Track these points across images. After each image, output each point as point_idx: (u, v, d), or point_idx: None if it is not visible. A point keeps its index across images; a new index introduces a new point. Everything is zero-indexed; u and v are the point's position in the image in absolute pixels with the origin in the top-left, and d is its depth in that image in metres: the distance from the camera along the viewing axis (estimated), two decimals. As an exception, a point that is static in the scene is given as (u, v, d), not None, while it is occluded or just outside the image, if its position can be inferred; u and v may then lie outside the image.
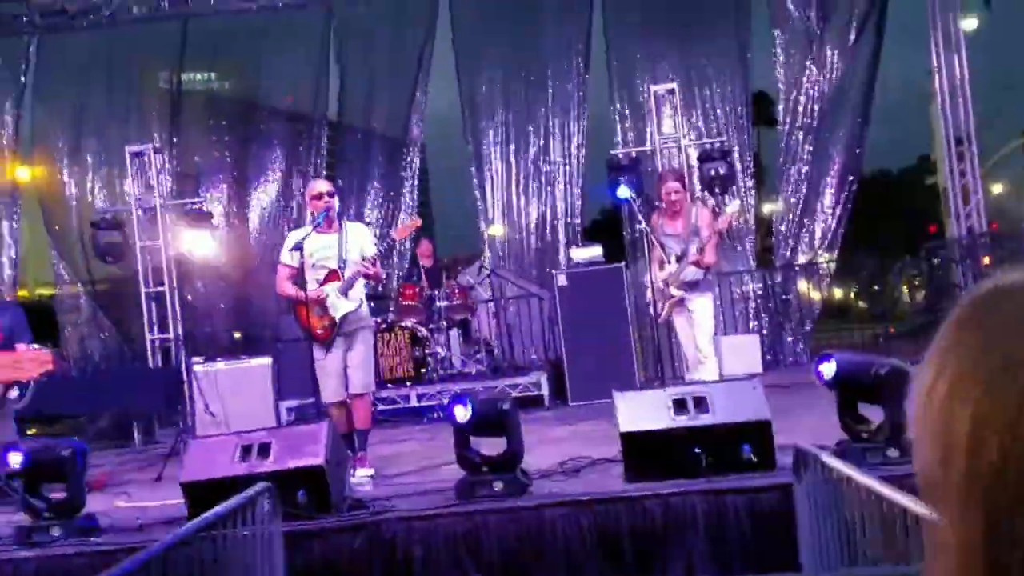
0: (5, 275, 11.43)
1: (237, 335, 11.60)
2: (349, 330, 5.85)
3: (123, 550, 4.23)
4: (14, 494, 5.62)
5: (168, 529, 4.50)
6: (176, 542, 3.12)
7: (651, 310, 6.73)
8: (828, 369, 4.42)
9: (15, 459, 4.64)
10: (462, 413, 4.53)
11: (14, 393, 6.33)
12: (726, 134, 10.49)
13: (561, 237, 11.05)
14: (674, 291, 6.40)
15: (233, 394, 8.30)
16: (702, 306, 6.45)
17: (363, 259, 5.80)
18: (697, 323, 6.39)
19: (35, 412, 7.76)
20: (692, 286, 6.39)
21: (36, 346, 6.50)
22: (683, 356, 6.72)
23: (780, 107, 10.78)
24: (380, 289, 9.98)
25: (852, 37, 10.43)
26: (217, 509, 3.38)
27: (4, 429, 6.39)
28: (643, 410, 4.53)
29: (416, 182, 11.47)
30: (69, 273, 11.47)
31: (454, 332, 9.96)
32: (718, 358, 9.42)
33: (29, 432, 7.90)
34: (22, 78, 11.44)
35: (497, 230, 11.39)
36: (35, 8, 11.11)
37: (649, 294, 6.73)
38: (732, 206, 6.83)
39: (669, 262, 6.41)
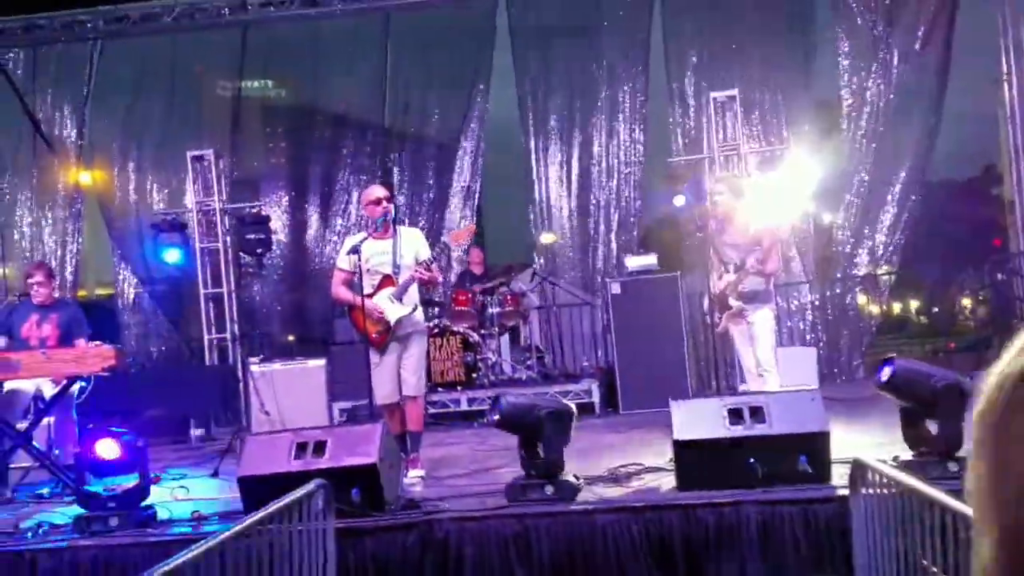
0: (67, 275, 11.70)
1: (291, 338, 11.75)
2: (403, 334, 5.89)
3: (179, 542, 4.31)
4: (71, 485, 5.79)
5: (224, 522, 4.59)
6: (233, 535, 3.16)
7: (709, 320, 6.62)
8: (887, 373, 4.38)
9: (106, 448, 4.76)
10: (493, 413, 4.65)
11: (76, 388, 6.51)
12: (787, 142, 10.37)
13: (616, 245, 11.00)
14: (733, 302, 6.17)
15: (288, 394, 8.44)
16: (762, 318, 6.20)
17: (417, 263, 5.84)
18: (757, 336, 6.16)
19: (95, 407, 7.93)
20: (751, 297, 6.17)
21: (98, 343, 6.66)
22: (739, 367, 6.57)
23: (843, 115, 10.60)
24: (435, 295, 10.05)
25: (918, 45, 10.23)
26: (273, 504, 3.42)
27: (65, 422, 6.56)
28: (698, 418, 4.50)
29: (472, 190, 11.50)
30: (129, 274, 11.70)
31: (505, 338, 9.99)
32: (773, 370, 9.41)
33: (88, 427, 8.08)
34: (85, 83, 11.71)
35: (549, 238, 11.38)
36: (99, 14, 11.38)
37: (706, 304, 6.62)
38: (807, 218, 6.70)
39: (728, 271, 6.22)
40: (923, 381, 4.33)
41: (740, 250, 6.19)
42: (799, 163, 9.81)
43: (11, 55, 11.64)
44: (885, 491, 3.35)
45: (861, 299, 10.84)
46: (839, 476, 4.28)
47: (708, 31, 10.78)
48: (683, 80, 10.81)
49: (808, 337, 10.41)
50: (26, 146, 11.74)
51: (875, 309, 11.04)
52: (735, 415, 4.42)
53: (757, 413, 4.40)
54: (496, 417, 4.74)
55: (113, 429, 4.85)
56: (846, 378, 10.27)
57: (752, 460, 4.25)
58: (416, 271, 5.80)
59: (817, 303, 10.54)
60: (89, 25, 11.42)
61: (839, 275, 10.63)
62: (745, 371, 6.41)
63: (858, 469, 3.66)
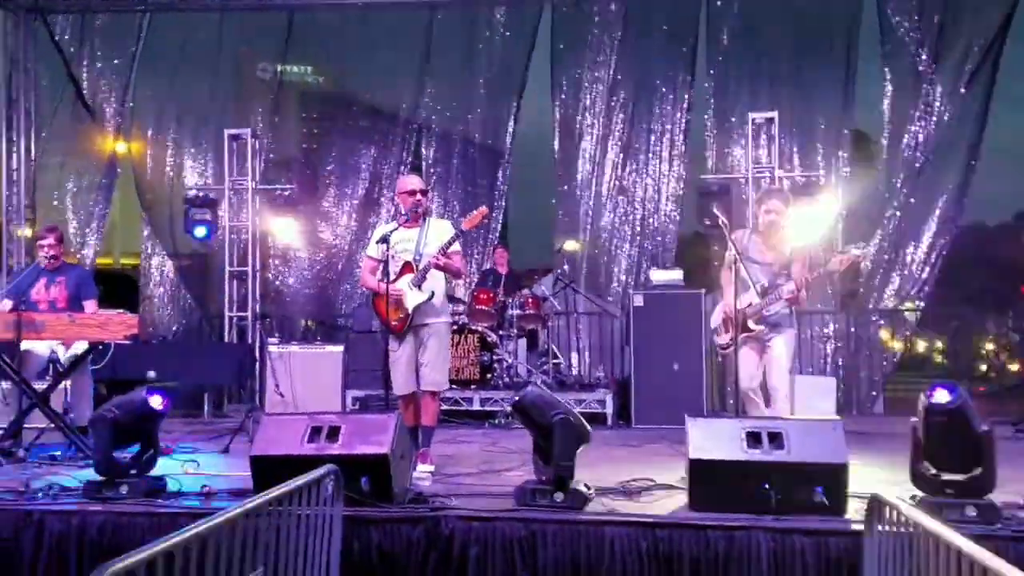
0: (92, 242, 11.80)
1: (308, 322, 11.79)
2: (421, 323, 5.88)
3: (187, 514, 4.32)
4: (86, 450, 5.83)
5: (232, 499, 4.60)
6: (243, 512, 3.15)
7: (715, 337, 6.37)
8: (942, 396, 4.20)
9: (156, 401, 4.80)
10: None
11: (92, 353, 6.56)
12: (821, 169, 10.30)
13: (641, 257, 10.97)
14: (752, 324, 5.98)
15: (304, 377, 8.49)
16: (782, 344, 5.99)
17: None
18: (773, 360, 5.97)
19: (111, 374, 7.98)
20: (775, 323, 5.98)
21: (121, 311, 6.71)
22: (742, 391, 6.09)
23: (882, 147, 10.52)
24: (456, 290, 10.04)
25: (963, 86, 10.14)
26: (285, 485, 3.42)
27: (83, 387, 6.61)
28: (715, 438, 4.45)
29: (503, 191, 11.51)
30: (157, 245, 11.78)
31: (523, 341, 9.98)
32: (792, 398, 9.33)
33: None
34: (131, 53, 11.78)
35: (572, 245, 11.37)
36: (150, -15, 11.49)
37: (715, 319, 6.37)
38: (858, 248, 6.53)
39: (755, 290, 5.92)
40: (968, 419, 4.19)
41: (768, 271, 6.01)
42: (832, 192, 9.74)
43: (60, 19, 11.74)
44: (902, 529, 3.30)
45: (884, 333, 10.74)
46: (854, 510, 4.24)
47: (751, 52, 10.74)
48: (722, 98, 10.78)
49: (827, 367, 10.34)
50: (65, 110, 11.84)
51: (897, 344, 10.95)
52: (753, 438, 4.37)
53: (776, 438, 4.35)
54: (516, 399, 4.71)
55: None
56: (862, 411, 10.21)
57: (767, 486, 4.21)
58: (435, 257, 5.78)
59: (839, 334, 10.47)
60: (141, -5, 11.52)
61: (863, 307, 10.55)
62: (743, 390, 6.07)
63: (875, 505, 3.61)
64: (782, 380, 5.98)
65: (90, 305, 6.76)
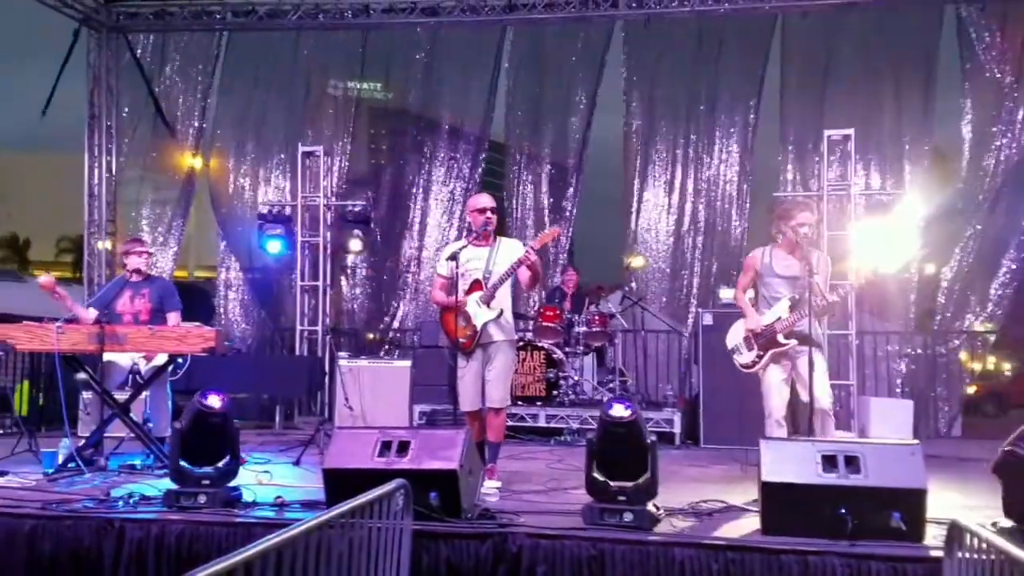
0: (169, 255, 12.11)
1: (372, 336, 11.92)
2: (488, 341, 5.89)
3: (262, 524, 4.40)
4: (165, 459, 5.97)
5: (305, 510, 4.67)
6: (317, 524, 3.20)
7: (735, 357, 6.11)
8: (620, 410, 4.41)
9: (215, 401, 4.91)
10: (620, 411, 4.52)
11: (172, 365, 6.72)
12: (899, 186, 10.10)
13: (711, 275, 10.88)
14: (782, 339, 5.81)
15: (372, 391, 8.59)
16: (819, 358, 5.72)
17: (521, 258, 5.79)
18: (816, 376, 5.61)
19: (186, 386, 8.16)
20: (805, 338, 5.68)
21: (197, 324, 6.87)
22: (768, 410, 5.90)
23: (963, 165, 10.27)
24: (528, 305, 10.07)
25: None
26: (357, 498, 3.46)
27: (161, 396, 6.77)
28: (789, 461, 4.37)
29: (574, 209, 11.51)
30: (231, 259, 12.04)
31: (589, 358, 9.94)
32: (865, 421, 9.13)
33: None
34: (209, 72, 12.11)
35: (639, 262, 11.32)
36: (228, 6, 11.79)
37: (733, 341, 6.15)
38: (912, 250, 6.30)
39: (790, 304, 5.78)
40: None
41: (795, 285, 5.84)
42: (910, 210, 9.55)
43: (140, 38, 12.12)
44: (982, 556, 3.22)
45: (963, 355, 10.46)
46: (933, 536, 4.13)
47: (826, 68, 10.61)
48: (796, 116, 10.66)
49: (903, 389, 10.11)
50: (145, 127, 12.21)
51: (976, 366, 10.66)
52: (829, 462, 4.28)
53: (852, 462, 4.25)
54: (624, 413, 4.56)
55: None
56: (937, 434, 9.95)
57: (843, 510, 4.12)
58: (520, 259, 5.72)
59: (915, 355, 10.24)
60: (218, 16, 11.84)
61: (940, 328, 10.30)
62: (770, 415, 5.88)
63: (955, 531, 3.52)
64: (827, 396, 5.73)
65: (173, 317, 6.91)
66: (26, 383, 9.23)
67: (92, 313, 6.59)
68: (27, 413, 8.86)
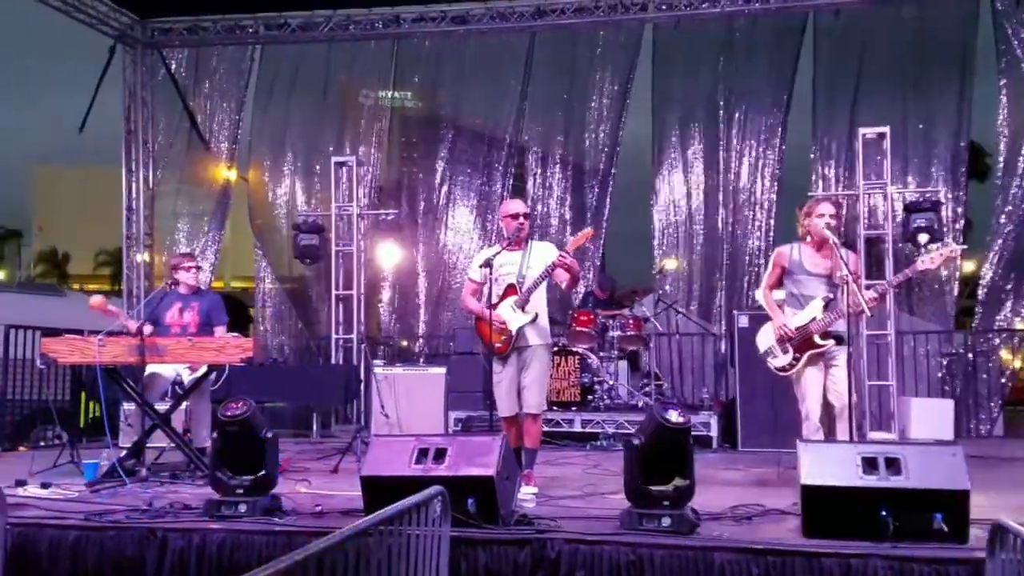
0: (207, 267, 12.26)
1: (406, 343, 11.97)
2: (524, 345, 5.89)
3: (302, 533, 4.44)
4: (205, 469, 6.04)
5: (344, 518, 4.70)
6: (357, 532, 3.22)
7: (769, 360, 5.98)
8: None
9: (239, 407, 4.99)
10: (676, 417, 4.46)
11: (212, 375, 6.80)
12: (937, 184, 9.99)
13: (746, 277, 10.81)
14: (819, 340, 5.69)
15: (408, 399, 8.63)
16: (844, 360, 5.60)
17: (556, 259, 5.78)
18: (844, 376, 5.55)
19: (224, 395, 8.25)
20: (841, 338, 5.60)
21: (235, 334, 6.96)
22: (805, 412, 5.79)
23: (1000, 160, 10.13)
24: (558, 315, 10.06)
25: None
26: (395, 506, 3.48)
27: (202, 407, 6.85)
28: (828, 464, 4.33)
29: (601, 213, 11.50)
30: (267, 270, 12.17)
31: (624, 363, 9.91)
32: (905, 421, 9.03)
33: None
34: (243, 85, 12.26)
35: (672, 264, 11.27)
36: (260, 20, 11.92)
37: (764, 342, 6.02)
38: (949, 247, 6.17)
39: (824, 304, 5.69)
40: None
41: (827, 283, 5.75)
42: (947, 207, 9.44)
43: (175, 53, 12.30)
44: (1025, 559, 3.17)
45: (1004, 353, 10.30)
46: (975, 538, 4.08)
47: (859, 66, 10.53)
48: (828, 115, 10.58)
49: (944, 388, 9.98)
50: (181, 140, 12.39)
51: (1017, 364, 10.50)
52: (869, 464, 4.23)
53: (893, 464, 4.21)
54: (680, 420, 4.49)
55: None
56: (978, 434, 9.81)
57: (884, 513, 4.08)
58: (553, 263, 5.73)
59: (956, 354, 10.10)
60: (251, 30, 11.98)
61: (979, 326, 10.16)
62: (807, 417, 5.77)
63: (998, 532, 3.47)
64: (845, 399, 5.60)
65: (220, 331, 7.02)
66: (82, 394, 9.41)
67: (147, 329, 6.65)
68: (84, 425, 9.06)
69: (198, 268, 7.33)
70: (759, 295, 6.37)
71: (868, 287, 5.86)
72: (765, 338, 6.08)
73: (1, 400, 8.91)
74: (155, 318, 7.03)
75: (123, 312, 7.15)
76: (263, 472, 4.98)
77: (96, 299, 6.86)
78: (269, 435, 5.08)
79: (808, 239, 5.91)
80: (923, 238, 9.17)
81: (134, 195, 12.31)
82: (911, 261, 6.09)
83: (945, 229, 9.77)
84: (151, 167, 12.35)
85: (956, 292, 10.21)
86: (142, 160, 12.28)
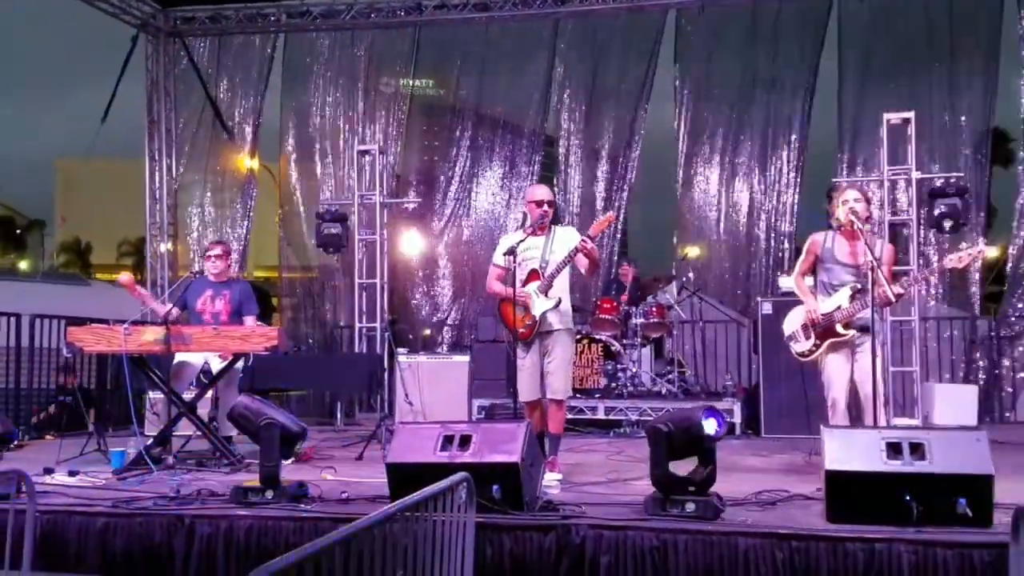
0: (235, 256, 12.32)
1: (429, 331, 12.01)
2: (547, 330, 5.90)
3: (328, 519, 4.48)
4: (231, 456, 6.11)
5: (370, 504, 4.74)
6: (383, 518, 3.25)
7: (792, 344, 5.97)
8: None
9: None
10: (712, 427, 4.45)
11: (239, 364, 6.86)
12: (961, 169, 9.89)
13: (769, 263, 10.76)
14: (841, 329, 5.65)
15: (432, 386, 8.69)
16: (868, 350, 5.51)
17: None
18: (866, 369, 5.50)
19: (248, 384, 8.32)
20: (866, 328, 5.50)
21: (260, 323, 7.00)
22: (831, 400, 5.75)
23: (1021, 144, 10.03)
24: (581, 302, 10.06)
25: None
26: (421, 492, 3.50)
27: (230, 396, 6.90)
28: (853, 450, 4.32)
29: (628, 197, 11.49)
30: (291, 258, 12.23)
31: (647, 350, 9.90)
32: (929, 407, 8.98)
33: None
34: (265, 73, 12.30)
35: (695, 252, 11.24)
36: (282, 8, 11.95)
37: (790, 327, 5.99)
38: (977, 247, 6.13)
39: (851, 294, 5.63)
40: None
41: (856, 273, 5.68)
42: (972, 192, 9.35)
43: (197, 42, 12.35)
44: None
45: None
46: (999, 522, 4.07)
47: (885, 51, 10.47)
48: (854, 99, 10.50)
49: (968, 374, 9.91)
50: (204, 130, 12.45)
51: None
52: (894, 449, 4.23)
53: (917, 449, 4.20)
54: (714, 431, 4.49)
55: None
56: (1002, 419, 9.75)
57: (908, 498, 4.07)
58: (576, 247, 5.73)
59: (980, 339, 10.03)
60: (272, 18, 12.01)
61: (1003, 311, 10.07)
62: (832, 404, 5.73)
63: (1022, 516, 3.47)
64: (880, 386, 5.53)
65: (250, 320, 7.06)
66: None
67: (175, 312, 6.74)
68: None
69: (226, 254, 7.34)
70: (790, 281, 6.37)
71: (895, 278, 5.79)
72: (791, 323, 6.07)
73: (28, 389, 9.02)
74: (184, 303, 7.11)
75: (150, 295, 7.19)
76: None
77: (125, 276, 6.98)
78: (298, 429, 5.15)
79: (840, 228, 5.85)
80: (947, 224, 9.09)
81: (157, 185, 12.38)
82: (940, 256, 6.00)
83: (969, 216, 9.67)
84: (174, 156, 12.42)
85: (980, 278, 10.12)
86: (165, 150, 12.35)
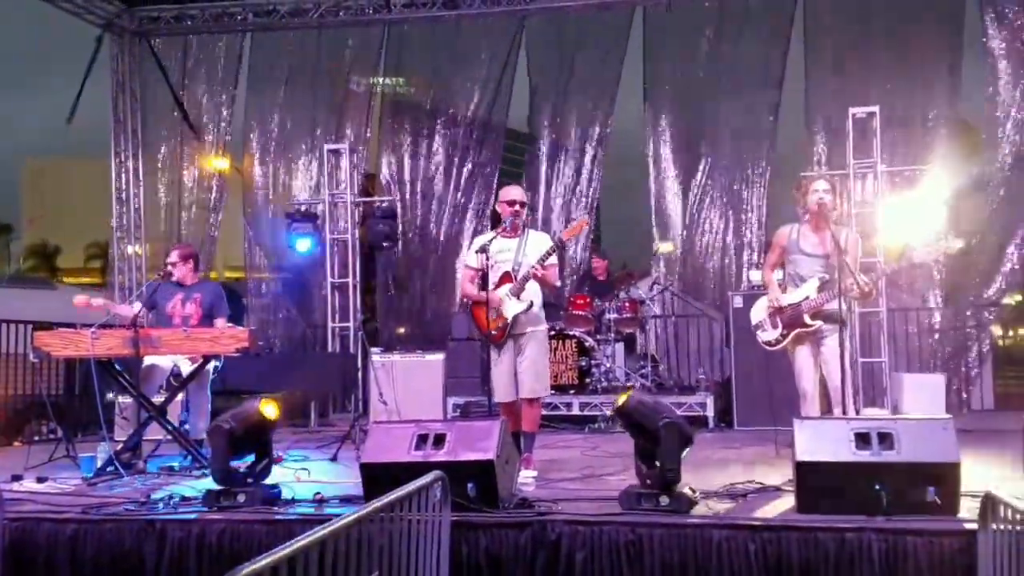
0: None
1: (403, 330, 11.97)
2: (519, 332, 5.93)
3: (302, 521, 4.47)
4: (203, 460, 6.06)
5: (344, 505, 4.73)
6: (356, 519, 3.25)
7: (759, 333, 6.07)
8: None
9: (271, 411, 5.04)
10: None
11: (210, 366, 6.81)
12: (926, 162, 9.99)
13: (741, 258, 10.83)
14: (809, 320, 5.73)
15: (406, 385, 8.68)
16: (835, 342, 5.63)
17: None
18: (834, 357, 5.65)
19: (220, 386, 8.27)
20: (832, 318, 5.65)
21: (230, 324, 6.96)
22: (802, 391, 5.83)
23: (991, 135, 10.12)
24: (551, 297, 10.07)
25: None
26: (395, 492, 3.50)
27: (201, 399, 6.87)
28: (822, 440, 4.38)
29: (593, 197, 11.50)
30: (260, 259, 12.13)
31: (620, 345, 9.94)
32: (898, 397, 9.08)
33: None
34: (232, 73, 12.17)
35: (667, 247, 11.29)
36: (249, 7, 11.82)
37: (757, 316, 6.10)
38: (947, 243, 6.23)
39: (819, 285, 5.73)
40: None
41: (824, 264, 5.76)
42: (937, 184, 9.46)
43: (163, 42, 12.19)
44: (1018, 527, 3.23)
45: (994, 327, 10.33)
46: (967, 509, 4.13)
47: (850, 44, 10.52)
48: (820, 93, 10.58)
49: (934, 364, 10.02)
50: (171, 130, 12.26)
51: (1008, 340, 10.55)
52: (862, 439, 4.29)
53: (886, 439, 4.26)
54: (620, 403, 4.70)
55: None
56: (969, 408, 9.86)
57: (878, 487, 4.13)
58: (533, 268, 5.81)
59: (945, 329, 10.14)
60: (239, 17, 11.87)
61: (969, 301, 10.18)
62: (803, 395, 5.82)
63: (989, 503, 3.53)
64: (838, 384, 5.67)
65: (220, 322, 6.99)
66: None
67: (136, 307, 6.68)
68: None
69: (184, 259, 7.23)
70: (760, 275, 6.42)
71: (863, 269, 5.88)
72: (757, 311, 6.17)
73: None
74: (153, 304, 7.04)
75: (110, 302, 7.11)
76: (260, 461, 5.01)
77: (79, 298, 6.90)
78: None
79: (807, 219, 5.94)
80: (907, 216, 9.18)
81: (123, 186, 12.20)
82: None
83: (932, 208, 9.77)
84: (140, 158, 12.25)
85: (945, 269, 10.21)
86: (131, 150, 12.18)
